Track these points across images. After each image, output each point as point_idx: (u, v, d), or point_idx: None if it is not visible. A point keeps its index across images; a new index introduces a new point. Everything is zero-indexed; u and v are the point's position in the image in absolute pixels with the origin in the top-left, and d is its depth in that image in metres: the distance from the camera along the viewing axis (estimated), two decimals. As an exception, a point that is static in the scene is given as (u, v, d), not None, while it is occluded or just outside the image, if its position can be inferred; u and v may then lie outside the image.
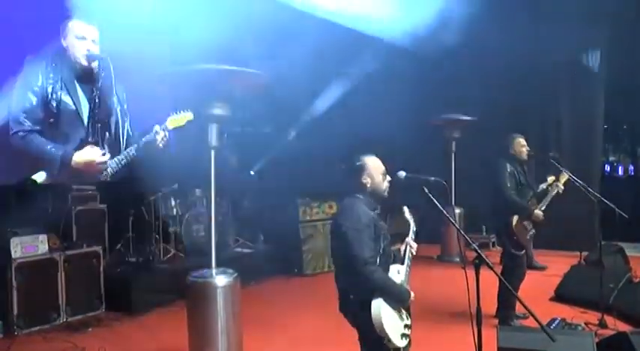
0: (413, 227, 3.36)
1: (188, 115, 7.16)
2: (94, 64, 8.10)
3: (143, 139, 7.57)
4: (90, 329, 5.59)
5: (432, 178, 3.17)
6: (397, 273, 3.11)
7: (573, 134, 9.28)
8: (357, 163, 3.21)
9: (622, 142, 15.09)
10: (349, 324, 3.18)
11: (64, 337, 5.34)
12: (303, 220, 7.97)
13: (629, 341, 3.94)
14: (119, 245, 7.23)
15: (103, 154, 7.92)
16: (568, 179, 5.44)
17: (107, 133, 8.34)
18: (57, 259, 5.74)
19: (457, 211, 8.62)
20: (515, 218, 5.20)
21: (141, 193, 7.08)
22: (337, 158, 8.83)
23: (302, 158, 10.67)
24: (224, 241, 7.64)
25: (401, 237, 3.36)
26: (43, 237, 5.72)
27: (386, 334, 2.91)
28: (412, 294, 3.10)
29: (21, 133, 7.39)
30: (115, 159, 8.04)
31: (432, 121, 8.75)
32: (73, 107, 7.91)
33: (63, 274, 5.77)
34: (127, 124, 8.53)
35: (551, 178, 5.45)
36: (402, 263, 3.19)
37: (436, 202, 3.12)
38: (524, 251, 5.32)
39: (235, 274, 4.33)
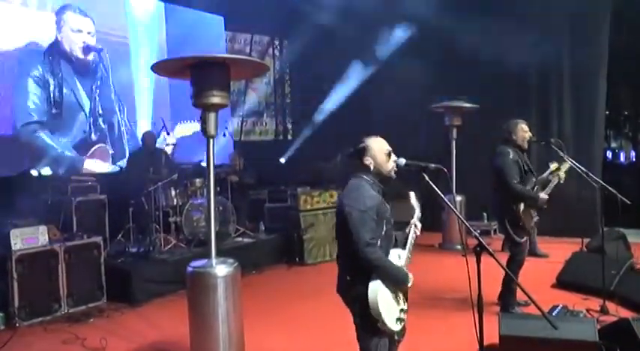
0: (418, 214, 3.30)
1: (194, 126, 7.27)
2: (90, 57, 8.10)
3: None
4: (91, 320, 5.60)
5: (433, 165, 3.12)
6: (398, 257, 3.08)
7: (575, 121, 9.23)
8: (359, 146, 3.16)
9: (624, 129, 15.05)
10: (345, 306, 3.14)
11: (66, 328, 5.36)
12: (304, 209, 7.94)
13: (631, 327, 3.93)
14: (119, 236, 7.24)
15: (112, 154, 8.01)
16: (569, 169, 5.39)
17: (112, 131, 8.41)
18: (57, 251, 5.74)
19: (458, 198, 8.59)
20: (522, 205, 5.16)
21: (141, 183, 7.06)
22: (335, 148, 8.83)
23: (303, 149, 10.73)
24: (225, 230, 7.63)
25: (399, 225, 3.32)
26: (43, 228, 5.71)
27: (381, 316, 2.89)
28: (411, 278, 3.07)
29: (32, 127, 7.44)
30: (117, 164, 8.15)
31: (433, 107, 8.69)
32: (74, 99, 7.96)
33: (63, 265, 5.77)
34: (124, 117, 8.57)
35: (554, 165, 5.40)
36: (404, 248, 3.16)
37: (437, 190, 3.08)
38: (526, 238, 5.29)
39: (236, 264, 4.31)
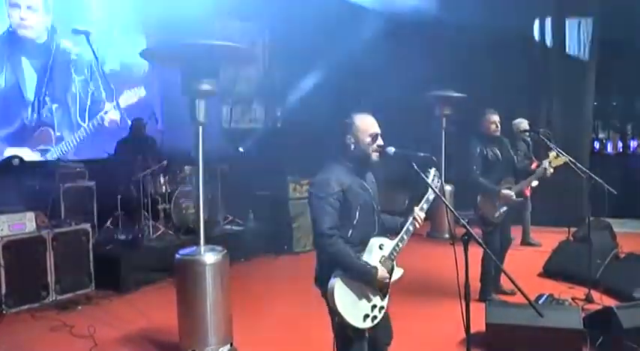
0: (430, 195, 3.03)
1: (139, 92, 6.98)
2: (35, 35, 7.34)
3: (91, 123, 7.30)
4: (79, 307, 5.59)
5: (422, 154, 3.10)
6: (379, 248, 2.85)
7: (563, 111, 9.28)
8: (347, 121, 2.90)
9: (611, 119, 15.12)
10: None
11: (53, 315, 5.35)
12: (293, 197, 7.94)
13: (615, 315, 3.99)
14: (108, 223, 7.20)
15: (60, 137, 7.51)
16: (560, 164, 5.39)
17: (65, 112, 7.95)
18: (45, 237, 5.71)
19: (448, 188, 8.63)
20: (479, 196, 5.24)
21: (129, 170, 7.01)
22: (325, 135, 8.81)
23: (290, 135, 10.67)
24: (213, 218, 7.62)
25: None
26: (30, 215, 5.67)
27: (338, 313, 2.72)
28: (382, 274, 2.79)
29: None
30: (59, 146, 7.73)
31: (423, 97, 8.69)
32: (15, 86, 7.34)
33: (51, 252, 5.74)
34: (82, 100, 8.01)
35: (552, 155, 5.42)
36: (395, 237, 2.93)
37: (425, 179, 3.08)
38: (492, 227, 5.30)
39: (224, 252, 4.32)
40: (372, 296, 2.82)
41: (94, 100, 8.28)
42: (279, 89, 11.63)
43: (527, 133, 6.86)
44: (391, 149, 2.98)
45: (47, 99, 7.73)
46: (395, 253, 2.90)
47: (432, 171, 3.06)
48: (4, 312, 5.30)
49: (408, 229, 2.96)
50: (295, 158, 9.16)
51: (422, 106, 9.23)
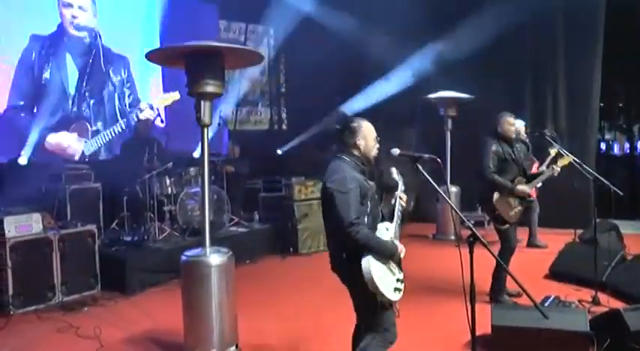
0: (401, 186, 3.41)
1: (174, 95, 7.23)
2: (83, 34, 7.95)
3: (126, 119, 7.57)
4: (85, 308, 5.60)
5: (427, 156, 3.14)
6: (386, 230, 3.19)
7: (569, 112, 9.24)
8: (353, 124, 3.27)
9: (618, 120, 15.06)
10: (340, 281, 3.26)
11: (59, 316, 5.36)
12: (298, 199, 7.94)
13: (622, 318, 3.96)
14: (114, 224, 7.23)
15: (96, 131, 7.93)
16: (566, 164, 5.42)
17: (101, 107, 8.36)
18: (51, 238, 5.73)
19: (453, 189, 8.62)
20: (496, 194, 5.24)
21: (135, 171, 7.04)
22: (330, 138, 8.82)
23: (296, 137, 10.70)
24: (219, 220, 7.63)
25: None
26: (37, 216, 5.69)
27: (378, 289, 2.99)
28: (402, 248, 3.19)
29: (10, 112, 7.38)
30: (95, 139, 8.08)
31: (428, 98, 8.68)
32: (59, 80, 7.88)
33: (58, 253, 5.75)
34: (127, 99, 8.51)
35: (554, 151, 5.39)
36: (392, 221, 3.26)
37: (430, 180, 3.09)
38: (508, 226, 5.31)
39: (230, 253, 4.32)
40: (395, 271, 3.17)
41: (130, 99, 8.87)
42: (286, 91, 11.68)
43: (528, 135, 6.87)
44: (396, 151, 3.10)
45: (86, 94, 8.34)
46: (397, 231, 3.26)
47: (393, 169, 3.46)
48: (10, 312, 5.33)
49: (399, 209, 3.32)
50: (301, 159, 9.19)
51: (426, 107, 9.23)
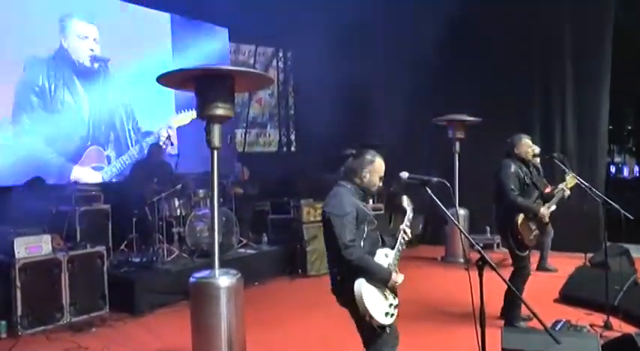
0: (409, 215, 3.43)
1: (192, 114, 7.30)
2: (96, 65, 8.22)
3: (147, 140, 7.67)
4: (94, 329, 5.59)
5: (435, 179, 3.15)
6: (385, 256, 3.23)
7: (578, 135, 9.23)
8: (367, 156, 3.36)
9: (627, 143, 15.02)
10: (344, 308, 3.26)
11: (68, 337, 5.35)
12: (307, 221, 7.94)
13: (635, 343, 3.91)
14: (123, 245, 7.26)
15: (108, 156, 8.07)
16: (575, 184, 5.39)
17: (111, 132, 8.49)
18: (61, 260, 5.75)
19: (461, 212, 8.58)
20: (520, 217, 5.14)
21: (144, 193, 7.08)
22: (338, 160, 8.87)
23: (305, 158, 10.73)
24: (228, 241, 7.64)
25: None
26: (46, 237, 5.73)
27: (368, 311, 3.04)
28: (398, 276, 3.20)
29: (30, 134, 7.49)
30: (116, 163, 8.20)
31: (436, 121, 8.71)
32: (74, 105, 8.03)
33: (67, 274, 5.77)
34: (131, 124, 8.66)
35: (570, 177, 5.38)
36: (393, 248, 3.29)
37: (439, 203, 3.10)
38: (528, 252, 5.28)
39: (239, 275, 4.32)
40: (388, 295, 3.18)
41: (144, 122, 9.09)
42: (294, 113, 11.75)
43: (539, 158, 6.86)
44: (405, 174, 3.13)
45: (99, 120, 8.49)
46: (397, 260, 3.27)
47: (404, 198, 3.46)
48: (19, 333, 5.33)
49: (401, 242, 3.32)
50: (309, 181, 9.20)
51: (434, 129, 9.26)
